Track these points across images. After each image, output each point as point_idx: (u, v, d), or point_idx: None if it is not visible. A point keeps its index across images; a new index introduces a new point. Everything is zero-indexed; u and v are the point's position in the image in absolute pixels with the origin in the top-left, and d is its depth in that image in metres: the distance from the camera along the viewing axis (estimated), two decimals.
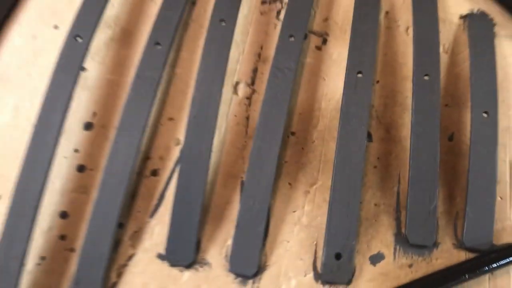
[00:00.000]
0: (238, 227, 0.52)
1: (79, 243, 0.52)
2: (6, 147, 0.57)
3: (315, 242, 0.52)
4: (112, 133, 0.56)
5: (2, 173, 0.55)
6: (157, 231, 0.53)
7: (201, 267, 0.52)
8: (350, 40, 0.60)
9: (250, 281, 0.51)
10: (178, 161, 0.56)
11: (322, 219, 0.53)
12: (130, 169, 0.53)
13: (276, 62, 0.59)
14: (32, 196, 0.51)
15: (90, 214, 0.51)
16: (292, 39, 0.60)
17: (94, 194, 0.53)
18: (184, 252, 0.52)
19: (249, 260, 0.51)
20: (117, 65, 0.61)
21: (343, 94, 0.57)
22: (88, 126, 0.58)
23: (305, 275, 0.51)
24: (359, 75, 0.58)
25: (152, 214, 0.54)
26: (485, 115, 0.57)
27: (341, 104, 0.56)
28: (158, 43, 0.59)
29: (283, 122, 0.55)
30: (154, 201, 0.54)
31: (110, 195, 0.52)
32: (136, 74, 0.57)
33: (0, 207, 0.53)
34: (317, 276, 0.51)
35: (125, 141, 0.54)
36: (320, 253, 0.52)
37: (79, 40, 0.58)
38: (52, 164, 0.52)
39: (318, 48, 0.63)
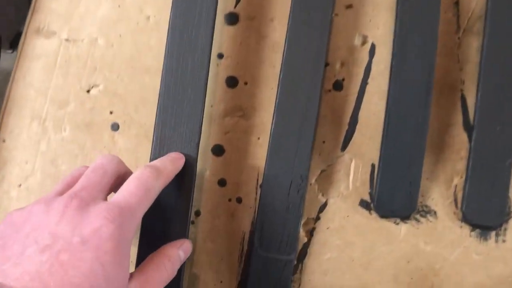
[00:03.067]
0: (473, 159, 0.36)
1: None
2: None
3: None
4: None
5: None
6: (354, 169, 0.37)
7: (423, 216, 0.37)
8: None
9: (493, 234, 0.36)
10: (368, 67, 0.39)
11: None
12: (321, 80, 0.35)
13: None
14: None
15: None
16: None
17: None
18: (400, 197, 0.36)
19: (491, 205, 0.36)
20: None
21: None
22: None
23: None
24: None
25: (344, 146, 0.38)
26: None
27: None
28: None
29: None
30: (344, 127, 0.38)
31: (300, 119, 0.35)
32: None
33: None
34: None
35: (306, 40, 0.36)
36: None
37: None
38: None
39: None
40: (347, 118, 0.38)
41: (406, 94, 0.36)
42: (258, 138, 0.37)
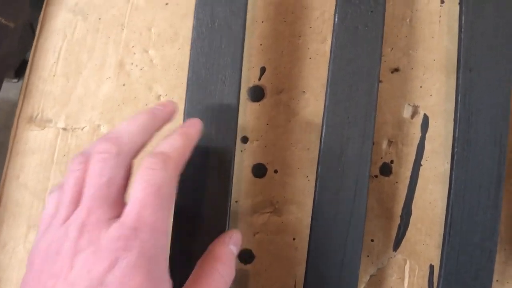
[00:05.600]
0: None
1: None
2: None
3: None
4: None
5: None
6: (409, 272, 0.31)
7: None
8: None
9: None
10: (421, 145, 0.32)
11: None
12: (369, 165, 0.29)
13: None
14: None
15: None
16: None
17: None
18: None
19: None
20: None
21: None
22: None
23: None
24: None
25: (396, 244, 0.32)
26: None
27: None
28: None
29: None
30: (395, 220, 0.32)
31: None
32: None
33: None
34: None
35: (349, 115, 0.30)
36: None
37: None
38: None
39: None
40: (398, 210, 0.32)
41: (472, 182, 0.30)
42: (294, 239, 0.32)
